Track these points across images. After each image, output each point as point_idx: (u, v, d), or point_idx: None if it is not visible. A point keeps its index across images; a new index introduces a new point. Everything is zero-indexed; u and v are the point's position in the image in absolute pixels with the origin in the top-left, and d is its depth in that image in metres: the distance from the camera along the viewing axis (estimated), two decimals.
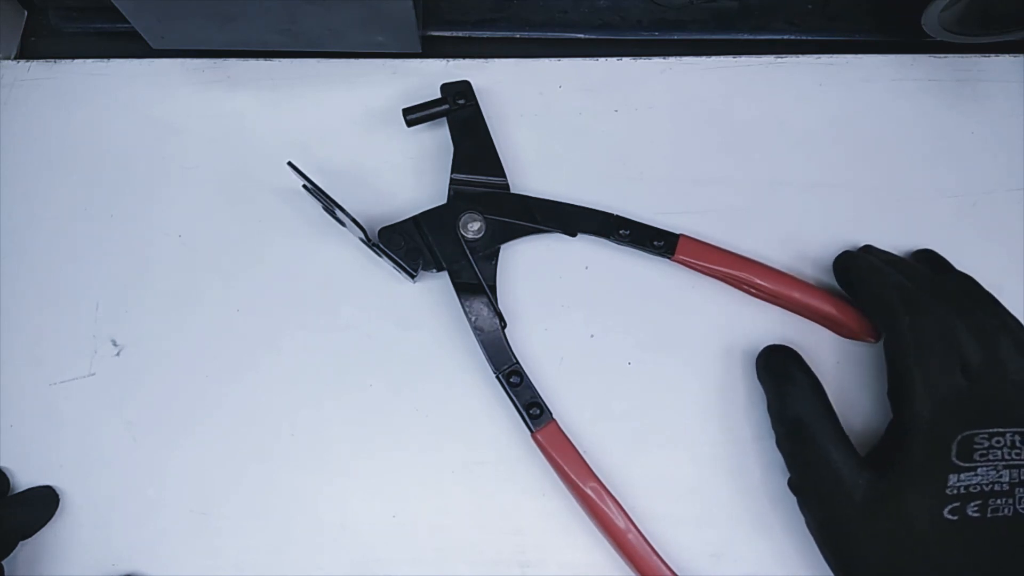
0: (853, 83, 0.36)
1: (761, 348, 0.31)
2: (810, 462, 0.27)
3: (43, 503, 0.31)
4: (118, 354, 0.33)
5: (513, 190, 0.34)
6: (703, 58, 0.37)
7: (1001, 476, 0.25)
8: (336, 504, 0.31)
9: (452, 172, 0.33)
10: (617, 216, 0.33)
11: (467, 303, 0.32)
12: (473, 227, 0.32)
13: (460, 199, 0.33)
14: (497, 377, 0.31)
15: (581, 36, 0.37)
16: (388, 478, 0.32)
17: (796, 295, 0.31)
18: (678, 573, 0.29)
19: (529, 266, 0.34)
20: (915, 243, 0.33)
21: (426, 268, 0.32)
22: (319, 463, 0.32)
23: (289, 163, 0.30)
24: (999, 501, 0.25)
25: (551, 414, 0.30)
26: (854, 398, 0.32)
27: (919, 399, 0.26)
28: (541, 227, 0.33)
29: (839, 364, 0.32)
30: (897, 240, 0.33)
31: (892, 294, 0.28)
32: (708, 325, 0.33)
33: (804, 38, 0.37)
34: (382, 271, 0.34)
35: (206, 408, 0.33)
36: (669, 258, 0.32)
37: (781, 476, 0.29)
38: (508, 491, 0.31)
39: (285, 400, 0.33)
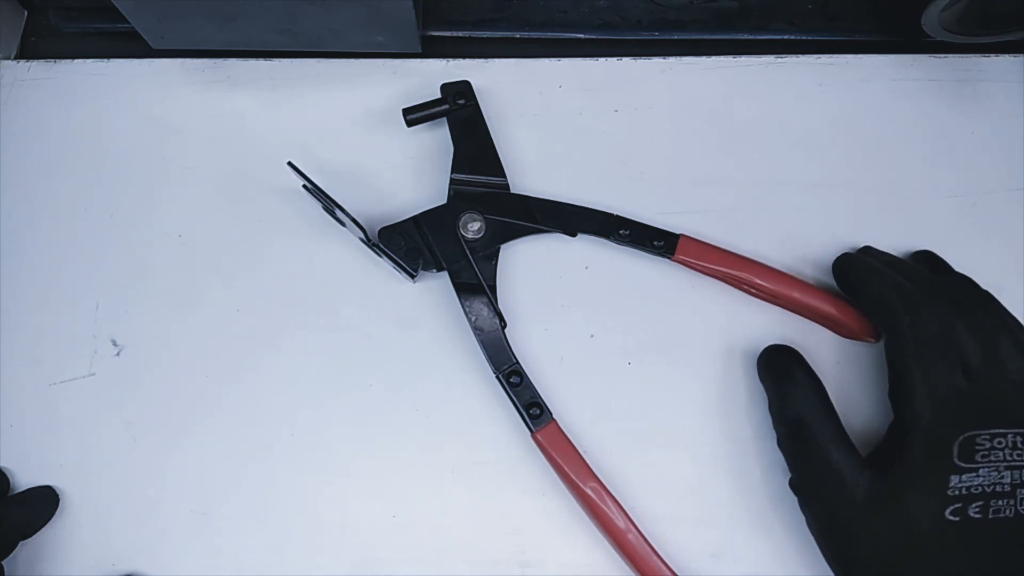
0: (853, 83, 0.36)
1: (761, 348, 0.31)
2: (811, 462, 0.27)
3: (43, 503, 0.31)
4: (118, 354, 0.33)
5: (513, 190, 0.34)
6: (703, 58, 0.37)
7: (1003, 477, 0.25)
8: (336, 504, 0.31)
9: (452, 172, 0.33)
10: (617, 216, 0.33)
11: (467, 303, 0.32)
12: (473, 227, 0.32)
13: (460, 199, 0.33)
14: (497, 377, 0.31)
15: (581, 36, 0.37)
16: (388, 478, 0.32)
17: (796, 295, 0.31)
18: (678, 573, 0.29)
19: (529, 266, 0.34)
20: (915, 243, 0.33)
21: (426, 268, 0.32)
22: (319, 463, 0.32)
23: (289, 163, 0.30)
24: (1001, 502, 0.25)
25: (551, 414, 0.30)
26: (855, 398, 0.32)
27: (920, 399, 0.26)
28: (541, 227, 0.33)
29: (839, 364, 0.32)
30: (897, 240, 0.33)
31: (892, 295, 0.28)
32: (708, 325, 0.33)
33: (804, 38, 0.37)
34: (382, 271, 0.34)
35: (206, 408, 0.33)
36: (669, 258, 0.32)
37: (782, 476, 0.29)
38: (508, 491, 0.31)
39: (285, 400, 0.33)
